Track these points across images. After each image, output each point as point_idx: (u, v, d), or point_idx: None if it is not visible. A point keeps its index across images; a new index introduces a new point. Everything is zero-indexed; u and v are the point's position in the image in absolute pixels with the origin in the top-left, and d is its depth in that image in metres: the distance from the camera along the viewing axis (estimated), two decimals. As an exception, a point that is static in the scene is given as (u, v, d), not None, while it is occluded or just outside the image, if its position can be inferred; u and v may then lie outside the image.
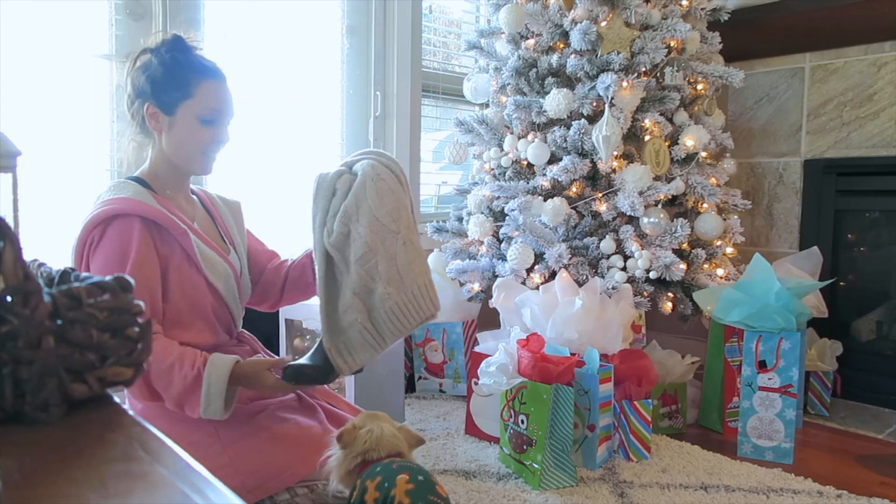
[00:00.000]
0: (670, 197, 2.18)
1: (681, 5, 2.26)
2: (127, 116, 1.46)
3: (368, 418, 1.29)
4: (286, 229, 2.50)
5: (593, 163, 2.16)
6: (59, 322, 0.57)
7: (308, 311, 2.07)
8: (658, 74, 2.22)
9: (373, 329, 1.30)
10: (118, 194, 1.36)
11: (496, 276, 2.18)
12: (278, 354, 2.11)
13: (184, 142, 1.41)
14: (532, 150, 2.20)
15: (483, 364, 1.84)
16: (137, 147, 1.49)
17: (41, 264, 0.78)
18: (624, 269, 2.08)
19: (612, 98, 2.08)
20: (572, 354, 1.81)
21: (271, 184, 2.29)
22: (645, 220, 2.09)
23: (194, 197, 1.55)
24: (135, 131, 1.46)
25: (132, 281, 0.64)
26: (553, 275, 2.08)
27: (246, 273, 1.60)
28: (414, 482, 1.08)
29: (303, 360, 1.36)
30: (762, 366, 1.94)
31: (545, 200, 2.15)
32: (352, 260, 1.29)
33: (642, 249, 2.07)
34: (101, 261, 1.31)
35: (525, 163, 2.29)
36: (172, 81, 1.38)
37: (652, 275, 2.05)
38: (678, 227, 2.10)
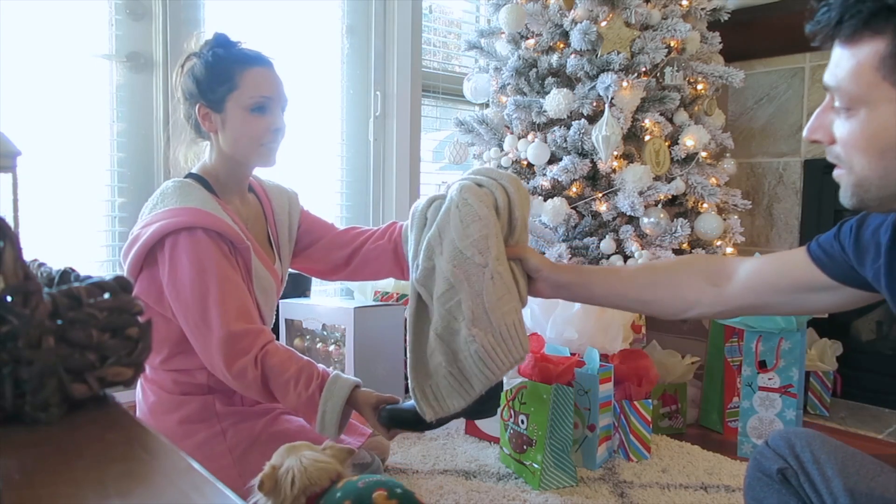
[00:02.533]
0: (670, 197, 2.18)
1: (681, 5, 2.26)
2: (182, 123, 1.44)
3: (288, 452, 1.09)
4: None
5: (593, 163, 2.16)
6: (59, 322, 0.57)
7: (308, 312, 2.07)
8: (658, 74, 2.22)
9: (459, 374, 1.15)
10: (185, 202, 1.32)
11: (496, 276, 2.18)
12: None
13: (239, 136, 1.37)
14: (532, 150, 2.20)
15: (483, 364, 1.84)
16: (193, 147, 1.47)
17: (41, 264, 0.78)
18: (624, 269, 2.08)
19: (612, 98, 2.08)
20: (572, 354, 1.81)
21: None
22: (645, 220, 2.09)
23: (251, 194, 1.52)
24: (191, 136, 1.44)
25: (131, 281, 0.64)
26: (553, 275, 2.08)
27: (286, 279, 1.58)
28: (395, 497, 0.97)
29: (402, 404, 1.26)
30: (762, 366, 1.94)
31: (545, 200, 2.15)
32: (434, 297, 1.16)
33: (642, 249, 2.07)
34: (183, 278, 1.28)
35: (525, 163, 2.29)
36: (217, 77, 1.35)
37: (652, 275, 2.05)
38: (678, 227, 2.10)
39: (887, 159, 0.77)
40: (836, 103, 0.80)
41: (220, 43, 1.39)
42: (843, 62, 0.77)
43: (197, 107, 1.38)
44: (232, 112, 1.37)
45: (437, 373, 1.16)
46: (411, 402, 1.22)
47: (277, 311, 2.10)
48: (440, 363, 1.15)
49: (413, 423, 1.21)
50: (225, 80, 1.35)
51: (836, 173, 0.84)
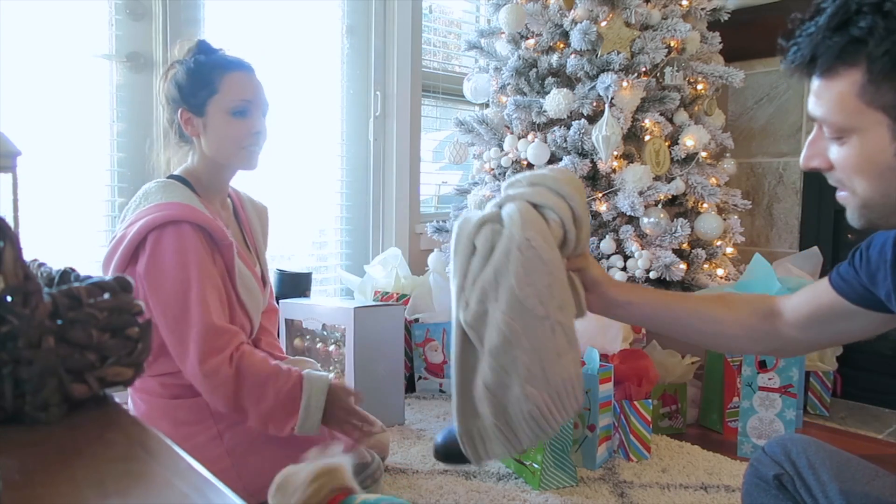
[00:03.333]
0: (670, 197, 2.18)
1: (681, 5, 2.26)
2: (166, 128, 1.47)
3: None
4: (285, 229, 2.50)
5: (593, 163, 2.16)
6: (59, 322, 0.57)
7: (308, 312, 2.07)
8: (658, 74, 2.22)
9: (507, 428, 1.06)
10: (170, 198, 1.34)
11: (496, 276, 2.18)
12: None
13: (220, 139, 1.40)
14: (532, 150, 2.20)
15: (483, 364, 1.84)
16: (177, 152, 1.49)
17: (41, 264, 0.78)
18: (624, 269, 2.07)
19: (612, 98, 2.08)
20: (572, 354, 1.81)
21: (271, 184, 2.29)
22: (645, 220, 2.09)
23: (228, 199, 1.54)
24: (175, 141, 1.47)
25: (131, 281, 0.64)
26: (553, 275, 2.08)
27: (269, 282, 1.59)
28: None
29: (451, 437, 1.14)
30: (762, 366, 1.94)
31: (545, 200, 2.15)
32: (486, 348, 1.06)
33: (642, 249, 2.07)
34: (166, 269, 1.28)
35: (525, 163, 2.29)
36: (198, 82, 1.39)
37: (652, 275, 2.05)
38: (678, 227, 2.10)
39: (886, 179, 0.79)
40: (826, 133, 0.81)
41: (202, 49, 1.42)
42: (824, 94, 0.79)
43: (179, 111, 1.41)
44: (213, 116, 1.39)
45: (483, 419, 1.06)
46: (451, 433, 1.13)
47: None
48: (486, 414, 1.06)
49: (465, 458, 1.13)
50: (206, 85, 1.38)
51: (840, 196, 0.85)
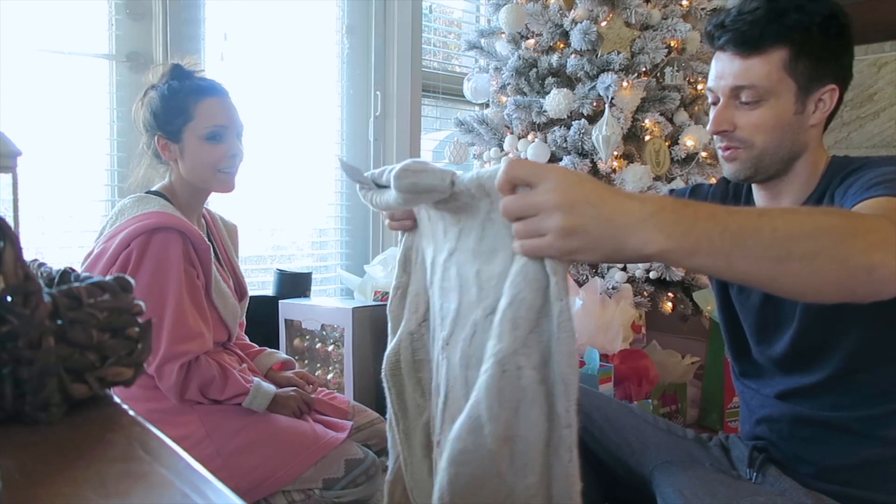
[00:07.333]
0: (670, 197, 2.18)
1: (681, 5, 2.26)
2: (142, 150, 1.51)
3: None
4: (282, 230, 2.50)
5: (593, 163, 2.16)
6: (59, 322, 0.57)
7: (307, 312, 2.07)
8: (658, 74, 2.22)
9: None
10: (148, 208, 1.37)
11: (496, 276, 2.18)
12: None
13: (196, 164, 1.44)
14: (532, 150, 2.20)
15: (483, 364, 1.84)
16: (152, 171, 1.53)
17: (41, 264, 0.78)
18: (624, 269, 2.07)
19: (612, 98, 2.08)
20: (572, 354, 1.81)
21: (270, 184, 2.29)
22: (645, 220, 2.09)
23: (202, 219, 1.58)
24: (152, 163, 1.50)
25: (131, 280, 0.64)
26: (553, 275, 2.08)
27: (246, 295, 1.63)
28: None
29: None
30: (762, 366, 1.94)
31: (545, 200, 2.15)
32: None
33: (642, 249, 2.07)
34: (147, 272, 1.32)
35: (525, 163, 2.30)
36: (173, 109, 1.42)
37: (652, 275, 2.05)
38: (678, 227, 2.10)
39: (784, 132, 1.02)
40: (744, 99, 1.02)
41: (175, 75, 1.46)
42: (756, 67, 1.00)
43: (156, 138, 1.44)
44: (189, 142, 1.43)
45: None
46: None
47: (277, 311, 2.10)
48: None
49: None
50: (180, 112, 1.42)
51: (731, 153, 1.05)
